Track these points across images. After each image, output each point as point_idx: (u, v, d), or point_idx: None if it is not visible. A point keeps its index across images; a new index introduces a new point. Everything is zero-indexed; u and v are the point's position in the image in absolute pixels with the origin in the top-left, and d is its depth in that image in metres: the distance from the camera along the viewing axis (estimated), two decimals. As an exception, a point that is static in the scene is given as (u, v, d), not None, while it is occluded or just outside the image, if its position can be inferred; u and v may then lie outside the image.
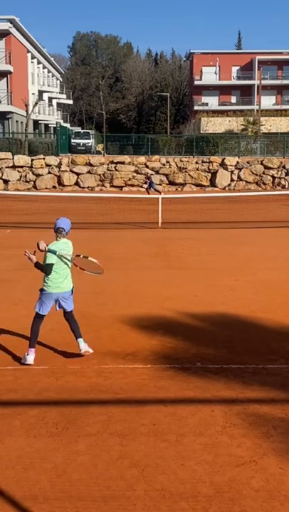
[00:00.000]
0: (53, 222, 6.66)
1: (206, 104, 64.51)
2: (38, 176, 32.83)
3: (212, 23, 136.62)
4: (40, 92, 58.49)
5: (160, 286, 9.94)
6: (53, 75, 68.17)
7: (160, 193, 28.23)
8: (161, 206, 18.47)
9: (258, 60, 63.47)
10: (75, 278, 6.67)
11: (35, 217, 19.89)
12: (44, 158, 33.09)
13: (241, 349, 6.84)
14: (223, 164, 33.96)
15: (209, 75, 66.02)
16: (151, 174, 32.32)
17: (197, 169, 34.00)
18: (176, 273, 11.05)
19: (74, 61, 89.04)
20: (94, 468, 4.29)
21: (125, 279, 10.48)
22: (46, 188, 32.52)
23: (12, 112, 45.71)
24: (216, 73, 66.42)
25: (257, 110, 55.73)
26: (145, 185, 31.74)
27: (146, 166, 33.84)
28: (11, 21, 46.99)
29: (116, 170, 33.54)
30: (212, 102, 64.94)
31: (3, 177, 32.65)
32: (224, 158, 34.32)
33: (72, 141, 41.12)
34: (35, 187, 32.73)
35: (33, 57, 55.93)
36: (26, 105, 40.27)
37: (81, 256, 6.53)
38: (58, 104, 70.88)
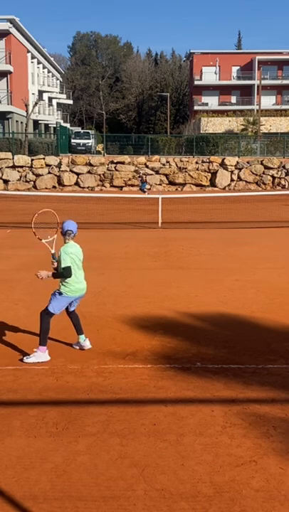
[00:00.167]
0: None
1: (206, 104, 64.53)
2: (38, 176, 32.84)
3: (212, 23, 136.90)
4: (40, 92, 58.51)
5: (160, 286, 9.94)
6: (53, 75, 68.18)
7: (144, 192, 28.59)
8: (161, 206, 18.47)
9: (258, 60, 63.49)
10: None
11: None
12: (44, 158, 33.10)
13: (241, 349, 6.84)
14: (223, 164, 33.96)
15: (209, 75, 66.04)
16: (144, 174, 32.36)
17: (197, 169, 34.00)
18: (176, 273, 11.05)
19: (74, 61, 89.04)
20: (94, 468, 4.29)
21: (125, 279, 10.48)
22: (46, 188, 32.53)
23: (12, 112, 45.72)
24: (216, 73, 66.43)
25: (257, 110, 55.76)
26: (148, 186, 31.81)
27: (147, 166, 33.85)
28: (11, 21, 47.02)
29: (116, 170, 33.55)
30: (212, 102, 64.97)
31: (3, 177, 32.66)
32: (224, 158, 34.32)
33: (72, 141, 41.13)
34: (35, 187, 32.74)
35: (33, 57, 55.94)
36: (26, 105, 40.27)
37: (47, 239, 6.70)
38: (58, 104, 70.89)
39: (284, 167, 34.36)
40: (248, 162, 34.50)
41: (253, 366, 6.31)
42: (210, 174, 34.09)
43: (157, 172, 33.87)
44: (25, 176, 32.86)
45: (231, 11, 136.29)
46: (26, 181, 32.89)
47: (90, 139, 43.10)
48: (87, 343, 6.71)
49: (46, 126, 61.18)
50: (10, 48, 45.82)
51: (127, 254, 13.12)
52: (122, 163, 33.83)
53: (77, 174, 33.18)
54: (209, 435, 4.78)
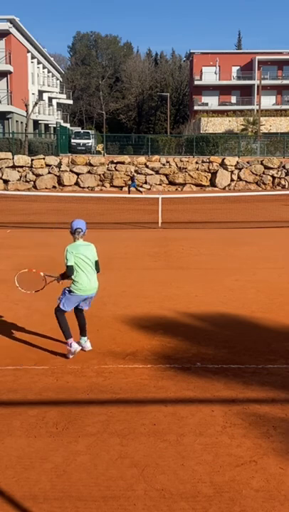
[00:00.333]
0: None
1: (206, 104, 64.55)
2: (38, 175, 32.84)
3: (212, 23, 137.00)
4: (40, 92, 58.52)
5: (160, 286, 9.94)
6: (53, 75, 68.19)
7: (129, 193, 28.73)
8: (161, 206, 18.47)
9: (258, 60, 63.51)
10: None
11: (35, 217, 19.90)
12: (44, 158, 33.10)
13: (241, 349, 6.84)
14: (223, 164, 33.97)
15: (209, 75, 66.05)
16: (134, 175, 32.40)
17: (197, 169, 34.00)
18: (176, 273, 11.05)
19: (74, 61, 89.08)
20: (94, 468, 4.29)
21: (125, 279, 10.48)
22: (46, 188, 32.54)
23: (12, 112, 45.73)
24: (216, 73, 66.45)
25: (257, 110, 55.76)
26: (146, 185, 31.83)
27: (147, 166, 33.87)
28: (11, 21, 47.04)
29: (116, 170, 33.55)
30: (212, 102, 64.99)
31: (3, 177, 32.67)
32: (224, 158, 34.33)
33: (72, 141, 41.14)
34: (35, 187, 32.75)
35: (33, 57, 55.96)
36: (26, 105, 40.29)
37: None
38: (58, 104, 70.91)
39: (284, 167, 34.36)
40: (248, 162, 34.51)
41: (253, 366, 6.31)
42: (210, 174, 34.10)
43: (157, 172, 33.87)
44: (25, 176, 32.87)
45: (231, 11, 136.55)
46: (26, 181, 32.90)
47: (90, 139, 43.11)
48: (88, 345, 6.72)
49: (46, 126, 61.19)
50: (10, 48, 45.83)
51: (127, 254, 13.11)
52: (122, 163, 33.83)
53: (77, 174, 33.18)
54: (209, 435, 4.78)
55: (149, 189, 33.16)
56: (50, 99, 64.89)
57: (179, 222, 18.95)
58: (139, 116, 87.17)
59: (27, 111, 40.45)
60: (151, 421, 5.02)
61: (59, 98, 68.13)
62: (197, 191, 32.74)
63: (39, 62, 59.62)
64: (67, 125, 62.48)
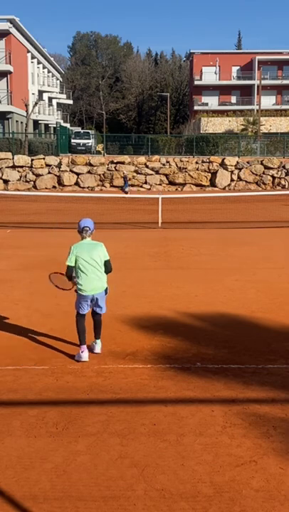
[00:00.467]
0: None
1: (206, 104, 64.53)
2: (38, 175, 32.84)
3: (212, 23, 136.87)
4: (40, 92, 58.51)
5: (160, 286, 9.94)
6: (53, 75, 68.19)
7: (126, 193, 28.80)
8: (161, 206, 18.48)
9: (257, 60, 63.49)
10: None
11: (35, 217, 19.90)
12: (44, 158, 33.09)
13: (241, 349, 6.84)
14: (223, 164, 33.96)
15: (209, 75, 66.04)
16: (126, 175, 32.43)
17: (197, 169, 34.00)
18: (176, 273, 11.05)
19: (74, 61, 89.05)
20: (94, 468, 4.29)
21: (125, 279, 10.48)
22: (46, 188, 32.53)
23: (12, 112, 45.72)
24: (216, 73, 66.43)
25: (257, 110, 55.77)
26: (146, 185, 31.83)
27: (147, 166, 33.86)
28: (11, 21, 47.03)
29: (116, 170, 33.55)
30: (212, 102, 64.97)
31: (3, 177, 32.66)
32: (224, 158, 34.32)
33: (72, 141, 41.12)
34: (35, 187, 32.74)
35: (33, 57, 55.95)
36: (26, 105, 40.28)
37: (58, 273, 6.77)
38: (58, 104, 70.90)
39: (284, 167, 34.35)
40: (248, 162, 34.50)
41: (253, 366, 6.31)
42: (210, 174, 34.08)
43: (157, 172, 33.86)
44: (25, 176, 32.86)
45: (231, 11, 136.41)
46: (26, 181, 32.89)
47: (90, 139, 43.10)
48: (97, 348, 6.68)
49: (46, 126, 61.18)
50: (10, 48, 45.82)
51: (127, 254, 13.12)
52: (122, 163, 33.82)
53: (77, 174, 33.18)
54: (209, 435, 4.78)
55: (149, 189, 33.17)
56: (50, 99, 64.89)
57: (179, 222, 18.95)
58: (139, 116, 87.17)
59: (27, 111, 40.44)
60: (151, 421, 5.02)
61: (59, 98, 68.12)
62: (197, 191, 32.73)
63: (39, 62, 59.61)
64: (67, 125, 62.46)
